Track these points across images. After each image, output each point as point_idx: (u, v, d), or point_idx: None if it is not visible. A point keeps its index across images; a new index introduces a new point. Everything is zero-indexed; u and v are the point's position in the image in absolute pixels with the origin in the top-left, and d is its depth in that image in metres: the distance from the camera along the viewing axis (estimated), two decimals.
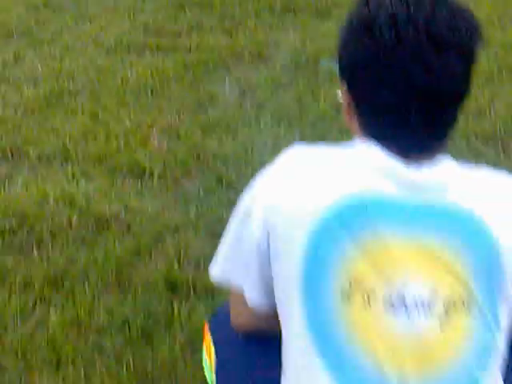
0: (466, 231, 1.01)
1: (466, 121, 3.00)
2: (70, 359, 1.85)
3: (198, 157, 2.85)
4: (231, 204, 2.35)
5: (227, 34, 4.34)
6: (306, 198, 1.04)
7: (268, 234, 1.06)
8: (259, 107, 3.28)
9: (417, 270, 1.00)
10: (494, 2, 4.49)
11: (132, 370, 1.81)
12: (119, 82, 3.65)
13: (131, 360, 1.83)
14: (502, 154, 2.68)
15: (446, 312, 0.99)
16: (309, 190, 1.05)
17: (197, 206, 2.52)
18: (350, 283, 1.00)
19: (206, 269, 2.10)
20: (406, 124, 1.04)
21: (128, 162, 2.81)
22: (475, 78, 3.00)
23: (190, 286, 2.08)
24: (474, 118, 3.05)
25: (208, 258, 2.14)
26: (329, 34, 4.16)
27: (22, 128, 3.13)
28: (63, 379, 1.79)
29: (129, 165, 2.80)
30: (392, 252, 1.00)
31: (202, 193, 2.61)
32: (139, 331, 1.93)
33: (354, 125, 1.10)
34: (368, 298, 0.99)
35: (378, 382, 0.99)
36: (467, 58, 1.03)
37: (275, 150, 2.62)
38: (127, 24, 4.57)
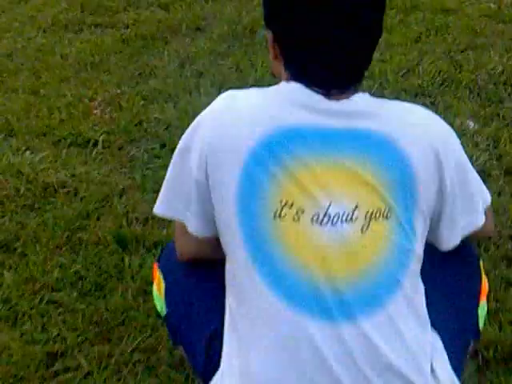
0: (381, 151, 1.14)
1: (396, 78, 3.15)
2: (26, 315, 1.92)
3: (141, 124, 2.93)
4: None
5: (164, 8, 4.40)
6: (238, 132, 1.15)
7: (206, 166, 1.17)
8: (199, 76, 3.36)
9: (340, 188, 1.12)
10: None
11: (88, 320, 1.89)
12: (59, 58, 3.69)
13: (86, 311, 1.91)
14: (430, 107, 2.82)
15: (367, 221, 1.12)
16: (241, 125, 1.15)
17: (142, 169, 2.60)
18: (281, 204, 1.11)
19: (153, 225, 2.21)
20: (326, 63, 1.15)
21: (72, 133, 2.87)
22: (405, 39, 3.16)
23: (139, 242, 2.16)
24: (404, 76, 3.20)
25: (155, 215, 2.25)
26: None
27: None
28: (21, 334, 1.86)
29: (73, 136, 2.85)
30: (316, 174, 1.11)
31: (146, 158, 2.69)
32: (92, 285, 2.01)
33: (281, 70, 1.22)
34: (297, 215, 1.11)
35: (308, 285, 1.10)
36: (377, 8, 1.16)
37: None
38: (64, 3, 4.58)
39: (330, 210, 1.11)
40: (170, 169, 1.27)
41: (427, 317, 1.21)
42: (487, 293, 1.44)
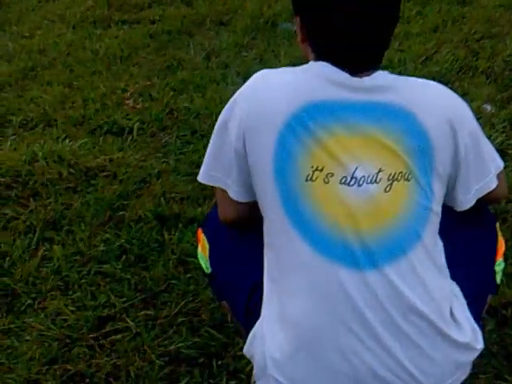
0: (400, 121, 1.27)
1: (415, 66, 3.28)
2: (76, 284, 2.08)
3: (172, 113, 3.08)
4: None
5: (187, 4, 4.56)
6: (273, 105, 1.29)
7: (244, 136, 1.31)
8: (224, 67, 3.52)
9: (365, 154, 1.26)
10: None
11: (133, 288, 2.05)
12: (89, 53, 3.85)
13: (131, 280, 2.07)
14: None
15: (390, 182, 1.26)
16: (275, 99, 1.29)
17: (175, 153, 2.76)
18: (312, 169, 1.26)
19: (189, 204, 2.36)
20: (350, 45, 1.30)
21: (107, 121, 3.03)
22: (423, 29, 3.30)
23: (177, 218, 2.32)
24: (423, 63, 3.34)
25: (190, 195, 2.41)
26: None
27: (1, 100, 3.32)
28: (73, 301, 2.02)
29: (108, 124, 3.01)
30: (344, 142, 1.25)
31: (178, 143, 2.84)
32: (135, 257, 2.16)
33: (308, 51, 1.36)
34: (327, 178, 1.25)
35: (339, 241, 1.24)
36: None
37: None
38: (90, 1, 4.75)
39: (356, 173, 1.25)
40: (211, 140, 1.40)
41: (446, 268, 1.35)
42: (504, 251, 1.57)
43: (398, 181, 1.25)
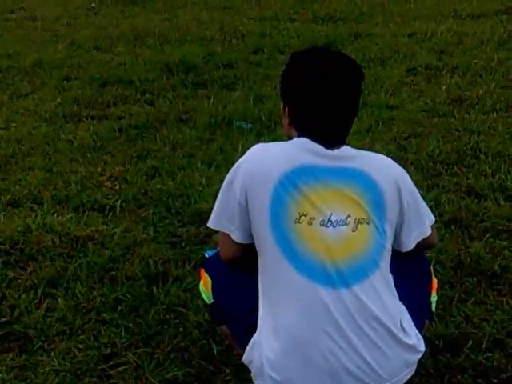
0: (361, 181, 1.77)
1: None
2: (79, 330, 2.43)
3: (147, 194, 3.51)
4: (181, 225, 3.04)
5: (149, 104, 5.09)
6: (270, 168, 1.77)
7: (246, 191, 1.77)
8: (190, 157, 4.00)
9: (337, 204, 1.74)
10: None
11: (130, 331, 2.41)
12: (64, 144, 4.28)
13: (128, 325, 2.44)
14: None
15: (356, 225, 1.73)
16: (272, 164, 1.77)
17: (154, 227, 3.17)
18: (299, 214, 1.72)
19: (172, 265, 2.76)
20: (325, 127, 1.80)
21: (89, 200, 3.43)
22: (359, 129, 3.89)
23: (164, 276, 2.71)
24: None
25: (172, 258, 2.81)
26: (237, 101, 5.00)
27: None
28: (78, 342, 2.36)
29: (90, 203, 3.41)
30: (321, 195, 1.73)
31: (155, 218, 3.26)
32: (129, 308, 2.54)
33: (292, 132, 1.86)
34: (310, 221, 1.72)
35: (320, 267, 1.70)
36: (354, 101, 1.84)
37: (209, 186, 3.34)
38: (58, 99, 5.22)
39: (331, 218, 1.72)
40: (219, 196, 1.85)
41: (396, 292, 1.81)
42: (437, 288, 2.04)
43: (362, 224, 1.73)
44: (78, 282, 2.70)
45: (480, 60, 5.81)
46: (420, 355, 1.79)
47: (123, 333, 2.40)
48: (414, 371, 1.78)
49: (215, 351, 2.29)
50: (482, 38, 6.53)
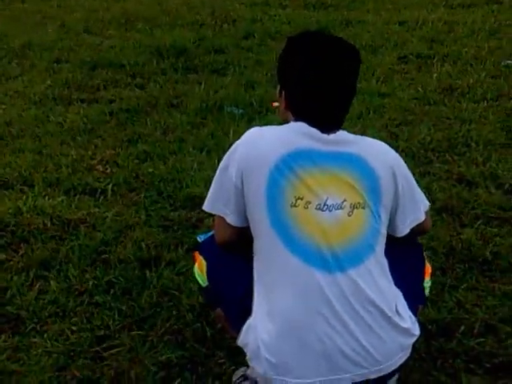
0: (358, 166, 1.75)
1: None
2: (72, 312, 2.42)
3: (138, 177, 3.50)
4: (173, 209, 3.03)
5: (140, 87, 5.06)
6: (265, 152, 1.76)
7: (242, 174, 1.76)
8: (181, 141, 3.99)
9: (333, 188, 1.73)
10: None
11: (123, 314, 2.41)
12: (55, 126, 4.26)
13: (121, 308, 2.43)
14: None
15: (352, 209, 1.73)
16: (267, 147, 1.76)
17: (146, 211, 3.16)
18: (295, 198, 1.72)
19: (165, 249, 2.75)
20: (322, 111, 1.80)
21: (80, 183, 3.41)
22: (350, 116, 3.88)
23: (156, 260, 2.71)
24: None
25: (164, 242, 2.80)
26: (228, 86, 4.99)
27: None
28: (71, 324, 2.36)
29: (81, 186, 3.39)
30: (318, 179, 1.73)
31: (147, 202, 3.25)
32: (122, 291, 2.53)
33: (289, 116, 1.85)
34: (306, 205, 1.71)
35: (315, 251, 1.69)
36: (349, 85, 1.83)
37: (201, 170, 3.34)
38: (48, 81, 5.19)
39: (327, 202, 1.71)
40: (214, 179, 1.84)
41: (391, 277, 1.81)
42: (430, 273, 2.05)
43: (357, 208, 1.73)
44: (71, 265, 2.70)
45: (471, 49, 5.83)
46: (415, 339, 1.80)
47: (116, 315, 2.40)
48: (408, 355, 1.78)
49: (208, 334, 2.29)
50: (473, 27, 6.55)
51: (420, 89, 4.86)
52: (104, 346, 2.26)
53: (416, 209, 1.88)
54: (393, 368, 1.74)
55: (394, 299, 1.78)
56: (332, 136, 1.77)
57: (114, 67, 5.50)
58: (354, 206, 1.73)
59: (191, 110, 4.52)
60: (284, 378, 1.69)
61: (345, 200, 1.72)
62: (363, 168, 1.75)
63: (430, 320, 2.31)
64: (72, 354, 2.22)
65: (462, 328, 2.29)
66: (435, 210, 3.11)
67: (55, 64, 5.67)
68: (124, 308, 2.44)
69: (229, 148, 1.81)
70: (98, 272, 2.63)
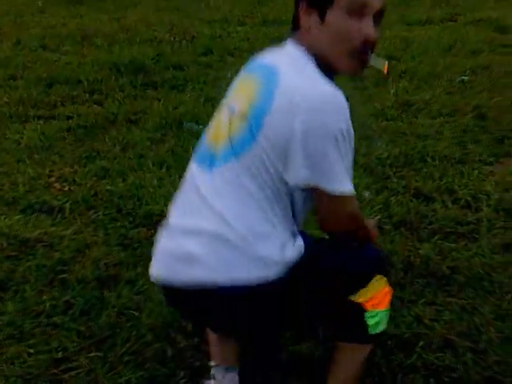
0: (267, 83, 1.60)
1: None
2: (29, 334, 2.37)
3: (97, 195, 3.46)
4: (132, 227, 3.00)
5: (98, 104, 5.02)
6: None
7: None
8: (140, 158, 3.96)
9: (239, 95, 1.69)
10: None
11: (82, 336, 2.37)
12: (11, 144, 4.19)
13: (79, 329, 2.39)
14: None
15: (239, 117, 1.63)
16: None
17: (104, 229, 3.12)
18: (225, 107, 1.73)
19: (124, 268, 2.72)
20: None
21: (37, 202, 3.36)
22: None
23: (115, 279, 2.68)
24: None
25: (123, 261, 2.77)
26: (187, 103, 4.98)
27: None
28: (28, 346, 2.31)
29: (39, 204, 3.34)
30: (238, 87, 1.75)
31: (106, 220, 3.21)
32: (80, 311, 2.49)
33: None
34: (223, 110, 1.73)
35: (205, 153, 1.69)
36: None
37: (161, 187, 3.31)
38: (4, 98, 5.11)
39: (233, 106, 1.67)
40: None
41: (254, 204, 1.60)
42: (385, 303, 1.81)
43: (241, 118, 1.63)
44: (28, 285, 2.64)
45: (426, 66, 5.93)
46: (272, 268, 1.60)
47: (74, 337, 2.36)
48: (266, 277, 1.58)
49: (169, 354, 2.27)
50: (429, 43, 6.67)
51: (378, 105, 4.93)
52: (62, 368, 2.22)
53: (319, 170, 1.55)
54: (227, 283, 1.58)
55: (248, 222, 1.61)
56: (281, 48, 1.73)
57: (71, 83, 5.46)
58: (241, 115, 1.63)
59: (150, 126, 4.50)
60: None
61: (239, 107, 1.66)
62: (269, 88, 1.60)
63: (389, 335, 2.33)
64: (29, 377, 2.17)
65: (421, 343, 2.31)
66: (393, 225, 3.14)
67: (11, 80, 5.59)
68: (82, 329, 2.40)
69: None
70: (56, 292, 2.59)
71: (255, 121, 1.59)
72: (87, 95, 5.22)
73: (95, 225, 3.17)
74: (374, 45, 1.64)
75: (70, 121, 4.64)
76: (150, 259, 2.73)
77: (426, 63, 6.00)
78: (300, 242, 1.67)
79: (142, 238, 3.03)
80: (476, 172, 3.76)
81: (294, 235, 1.68)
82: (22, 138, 4.28)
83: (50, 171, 3.76)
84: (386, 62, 1.74)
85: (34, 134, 4.35)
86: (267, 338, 1.86)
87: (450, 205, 3.35)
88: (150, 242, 2.97)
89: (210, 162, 1.67)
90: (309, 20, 1.66)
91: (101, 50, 6.61)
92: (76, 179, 3.66)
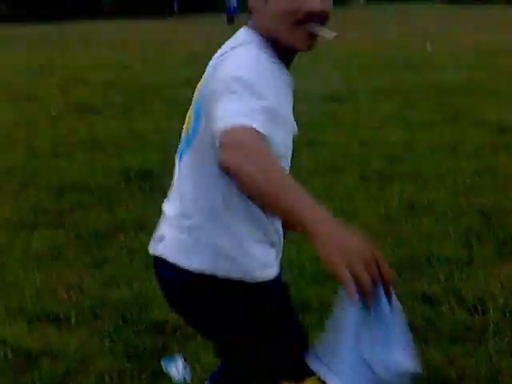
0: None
1: None
2: None
3: (103, 303, 3.47)
4: (137, 335, 3.02)
5: (108, 209, 5.10)
6: None
7: None
8: (147, 265, 3.98)
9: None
10: None
11: None
12: (19, 253, 4.24)
13: None
14: None
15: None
16: None
17: (110, 338, 3.12)
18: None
19: (129, 376, 2.70)
20: None
21: (44, 311, 3.38)
22: None
23: None
24: None
25: (128, 373, 2.75)
26: None
27: None
28: None
29: (45, 313, 3.36)
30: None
31: (111, 329, 3.21)
32: None
33: None
34: None
35: (181, 141, 1.76)
36: None
37: None
38: (15, 205, 5.22)
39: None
40: None
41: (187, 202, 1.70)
42: None
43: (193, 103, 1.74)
44: None
45: (430, 167, 6.03)
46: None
47: None
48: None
49: None
50: (431, 145, 6.81)
51: (382, 207, 4.99)
52: None
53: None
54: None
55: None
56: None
57: (81, 190, 5.57)
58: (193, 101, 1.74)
59: None
60: None
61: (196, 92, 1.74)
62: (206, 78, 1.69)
63: None
64: None
65: None
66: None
67: (22, 188, 5.72)
68: None
69: None
70: None
71: (196, 107, 1.69)
72: (96, 201, 5.31)
73: (101, 334, 3.17)
74: (324, 16, 1.62)
75: (79, 228, 4.71)
76: (153, 368, 2.76)
77: (430, 165, 6.10)
78: (272, 270, 1.74)
79: (147, 346, 3.03)
80: (482, 273, 3.76)
81: (271, 244, 1.73)
82: (31, 246, 4.33)
83: (57, 279, 3.79)
84: (336, 34, 1.62)
85: (42, 242, 4.41)
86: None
87: (457, 308, 3.34)
88: (154, 350, 2.98)
89: (181, 152, 1.77)
90: (255, 1, 1.66)
91: (111, 157, 6.76)
92: (83, 287, 3.68)
